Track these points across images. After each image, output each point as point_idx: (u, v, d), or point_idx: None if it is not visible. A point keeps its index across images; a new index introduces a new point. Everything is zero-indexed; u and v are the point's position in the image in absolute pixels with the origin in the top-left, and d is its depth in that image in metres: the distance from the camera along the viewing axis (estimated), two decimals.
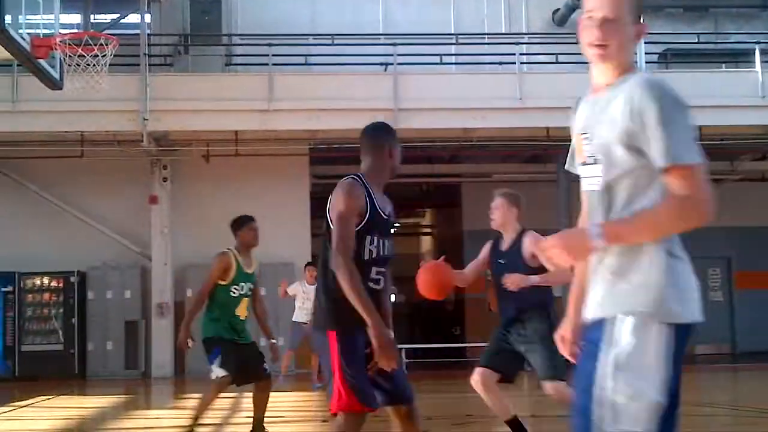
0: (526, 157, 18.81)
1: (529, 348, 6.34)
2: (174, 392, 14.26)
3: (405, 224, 28.54)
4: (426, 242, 28.92)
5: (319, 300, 4.48)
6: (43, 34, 10.08)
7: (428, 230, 28.38)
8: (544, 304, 6.42)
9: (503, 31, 18.60)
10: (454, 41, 18.36)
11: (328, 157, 17.73)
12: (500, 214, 6.66)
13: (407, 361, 16.35)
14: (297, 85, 15.86)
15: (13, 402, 12.44)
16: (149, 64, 15.62)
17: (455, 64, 18.08)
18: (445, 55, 17.74)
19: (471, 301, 21.10)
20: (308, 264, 13.73)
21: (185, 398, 12.56)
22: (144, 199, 16.46)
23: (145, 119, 15.02)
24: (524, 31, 18.55)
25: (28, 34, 9.57)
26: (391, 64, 16.27)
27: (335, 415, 4.34)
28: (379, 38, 17.66)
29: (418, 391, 4.41)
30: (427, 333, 22.95)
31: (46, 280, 16.51)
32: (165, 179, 16.63)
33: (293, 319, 13.09)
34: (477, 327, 20.06)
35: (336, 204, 4.25)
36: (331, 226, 4.25)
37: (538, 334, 6.26)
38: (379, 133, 4.63)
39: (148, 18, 16.68)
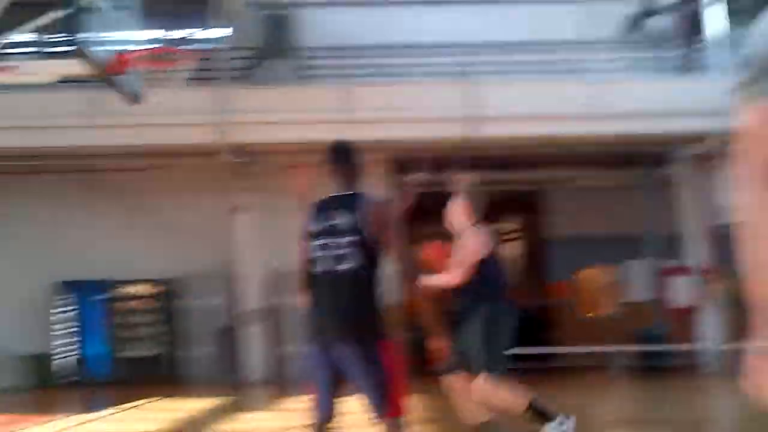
0: (609, 163, 18.49)
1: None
2: (267, 397, 14.43)
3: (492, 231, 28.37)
4: (510, 248, 28.63)
5: (358, 312, 4.67)
6: (123, 50, 10.27)
7: (512, 237, 28.09)
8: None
9: (579, 39, 18.32)
10: (531, 48, 18.10)
11: (409, 166, 17.69)
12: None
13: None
14: (371, 96, 15.89)
15: (118, 404, 12.82)
16: (225, 78, 15.88)
17: (532, 72, 17.83)
18: (521, 63, 17.49)
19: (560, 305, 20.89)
20: None
21: (278, 402, 12.77)
22: (225, 209, 16.68)
23: (222, 131, 15.22)
24: (599, 39, 18.19)
25: (108, 50, 9.75)
26: (467, 72, 16.17)
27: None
28: (455, 47, 17.51)
29: None
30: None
31: (137, 289, 16.99)
32: (247, 189, 16.79)
33: None
34: (566, 332, 19.83)
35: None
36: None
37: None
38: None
39: (223, 32, 16.88)
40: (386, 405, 4.53)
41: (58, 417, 11.80)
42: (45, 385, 16.36)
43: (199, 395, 14.00)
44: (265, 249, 16.66)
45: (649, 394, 13.82)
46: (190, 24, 18.48)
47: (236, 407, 11.20)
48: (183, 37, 18.14)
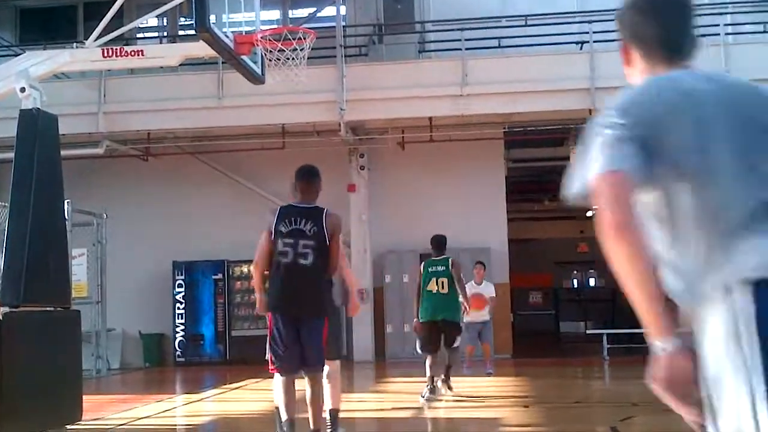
0: None
1: None
2: (375, 376, 14.51)
3: None
4: None
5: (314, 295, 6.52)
6: (245, 31, 10.42)
7: None
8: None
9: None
10: None
11: (523, 140, 17.52)
12: None
13: (609, 346, 16.01)
14: (490, 69, 15.69)
15: (225, 384, 13.07)
16: (345, 55, 15.91)
17: None
18: None
19: None
20: (478, 263, 13.69)
21: (386, 382, 12.77)
22: (343, 187, 16.78)
23: (342, 109, 15.33)
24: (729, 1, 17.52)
25: (231, 32, 9.90)
26: (587, 42, 15.80)
27: None
28: (574, 17, 17.14)
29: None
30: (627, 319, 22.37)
31: (252, 268, 17.18)
32: (362, 167, 16.93)
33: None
34: None
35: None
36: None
37: None
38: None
39: (343, 10, 16.96)
40: (322, 359, 6.46)
41: (169, 396, 12.14)
42: (162, 364, 16.92)
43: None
44: (377, 228, 16.78)
45: None
46: (311, 3, 18.70)
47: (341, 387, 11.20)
48: (304, 17, 18.38)
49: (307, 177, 6.80)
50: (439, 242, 10.43)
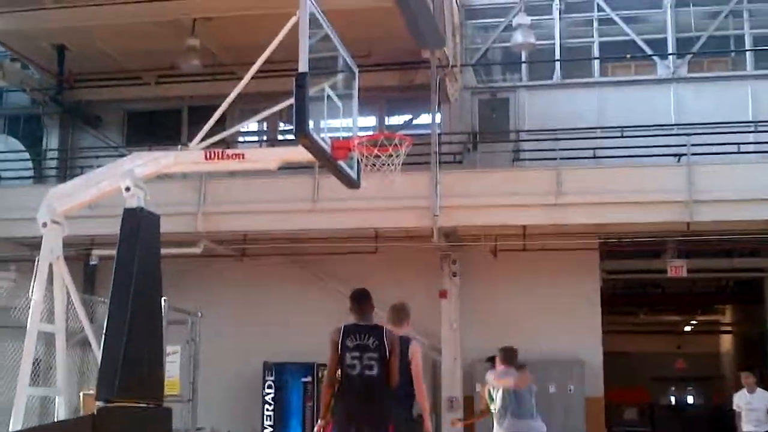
0: None
1: None
2: None
3: (702, 322, 27.15)
4: (725, 341, 27.27)
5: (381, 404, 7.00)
6: (342, 137, 10.64)
7: (728, 328, 26.74)
8: None
9: None
10: (752, 129, 17.34)
11: (618, 251, 17.28)
12: None
13: None
14: (585, 179, 15.65)
15: None
16: (439, 162, 16.03)
17: (754, 153, 17.00)
18: (742, 144, 16.70)
19: None
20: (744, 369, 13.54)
21: None
22: (434, 293, 16.75)
23: (435, 215, 15.42)
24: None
25: (329, 137, 10.12)
26: (684, 155, 15.64)
27: None
28: (672, 128, 17.05)
29: None
30: None
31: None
32: (454, 274, 16.89)
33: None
34: None
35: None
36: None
37: None
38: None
39: (438, 118, 17.21)
40: None
41: None
42: None
43: None
44: (468, 336, 16.61)
45: None
46: (407, 110, 19.07)
47: None
48: (400, 124, 18.73)
49: (358, 298, 7.53)
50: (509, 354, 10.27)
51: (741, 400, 13.03)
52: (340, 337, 7.19)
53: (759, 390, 12.98)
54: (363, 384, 6.99)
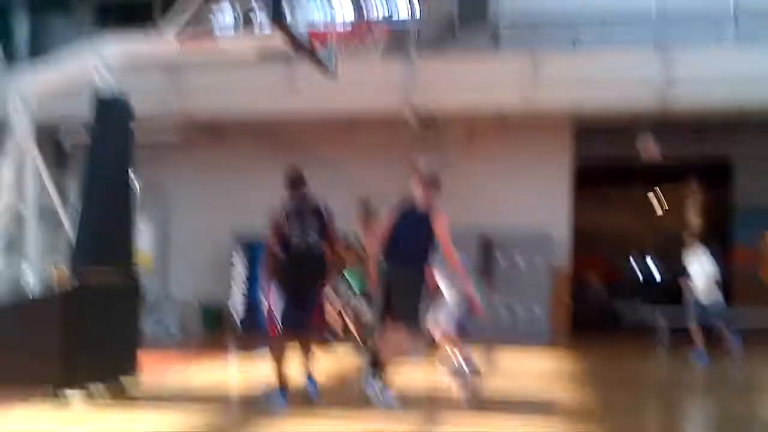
0: None
1: None
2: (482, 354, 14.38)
3: (670, 201, 27.61)
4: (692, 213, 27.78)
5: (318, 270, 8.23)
6: (319, 26, 10.56)
7: (695, 209, 27.19)
8: None
9: None
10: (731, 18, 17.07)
11: (592, 133, 17.40)
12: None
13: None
14: (561, 64, 15.61)
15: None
16: (417, 49, 16.03)
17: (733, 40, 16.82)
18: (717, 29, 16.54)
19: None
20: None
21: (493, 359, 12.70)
22: (409, 175, 16.87)
23: (411, 101, 15.50)
24: None
25: (305, 26, 10.06)
26: (662, 42, 15.60)
27: None
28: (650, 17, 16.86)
29: None
30: None
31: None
32: (431, 156, 16.93)
33: None
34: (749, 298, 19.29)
35: None
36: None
37: None
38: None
39: (417, 5, 16.91)
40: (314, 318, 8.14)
41: (225, 359, 12.94)
42: (218, 332, 17.19)
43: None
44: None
45: None
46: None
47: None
48: (376, 10, 18.35)
49: (295, 179, 8.55)
50: None
51: (689, 260, 13.41)
52: (283, 210, 8.23)
53: (701, 249, 13.23)
54: (303, 251, 7.96)
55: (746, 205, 20.00)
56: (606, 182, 23.46)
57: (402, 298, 7.82)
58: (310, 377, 8.14)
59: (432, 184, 8.42)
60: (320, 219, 8.14)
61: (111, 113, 8.92)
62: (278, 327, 7.93)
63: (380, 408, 7.66)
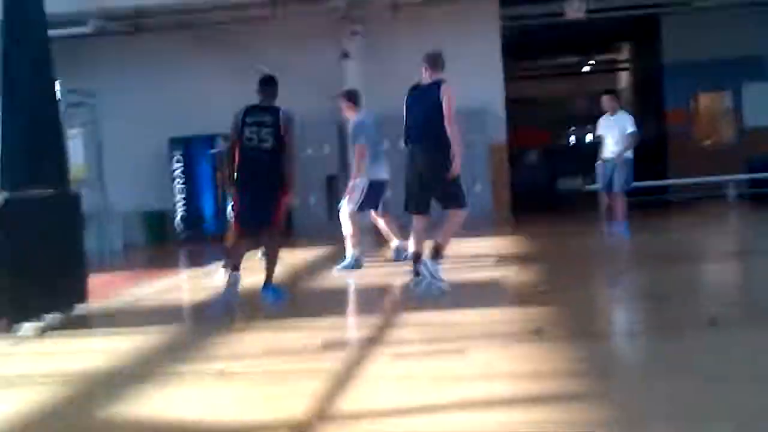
0: None
1: None
2: (375, 243, 14.35)
3: (601, 62, 27.62)
4: (624, 78, 27.89)
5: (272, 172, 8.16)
6: None
7: (626, 66, 27.28)
8: None
9: None
10: None
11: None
12: None
13: None
14: None
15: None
16: None
17: None
18: None
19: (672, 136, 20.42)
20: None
21: (382, 251, 12.78)
22: (336, 55, 16.54)
23: None
24: None
25: None
26: None
27: None
28: None
29: None
30: None
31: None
32: (356, 33, 16.60)
33: None
34: (681, 161, 19.47)
35: None
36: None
37: None
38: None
39: None
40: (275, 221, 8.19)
41: (173, 272, 12.35)
42: (162, 242, 16.87)
43: (309, 244, 13.91)
44: (373, 95, 16.53)
45: (764, 223, 13.56)
46: None
47: (341, 255, 11.21)
48: None
49: (265, 84, 8.60)
50: None
51: (603, 123, 12.43)
52: (241, 115, 8.26)
53: (621, 112, 12.60)
54: (258, 155, 8.08)
55: (676, 63, 20.05)
56: (537, 51, 23.34)
57: (427, 182, 8.03)
58: (268, 285, 8.11)
59: (434, 60, 8.54)
60: (276, 122, 8.18)
61: (24, 9, 8.36)
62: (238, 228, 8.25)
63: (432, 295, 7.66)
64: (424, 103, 8.12)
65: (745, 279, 8.60)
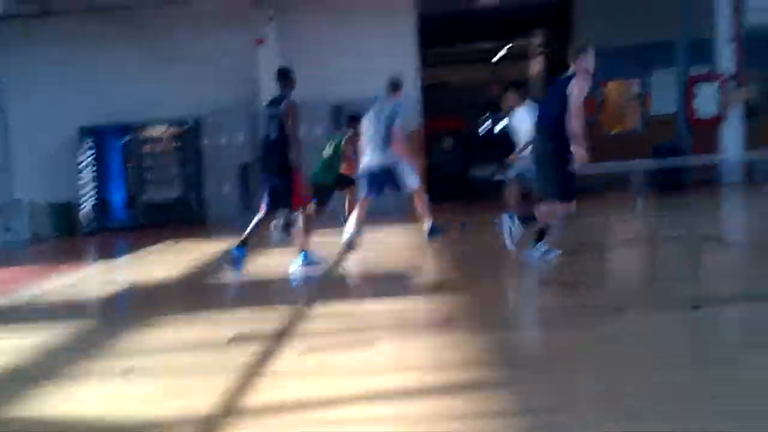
0: None
1: None
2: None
3: (515, 47, 27.87)
4: (538, 64, 28.14)
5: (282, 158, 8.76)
6: None
7: (541, 51, 27.51)
8: None
9: None
10: None
11: None
12: None
13: None
14: None
15: (138, 250, 12.88)
16: None
17: None
18: None
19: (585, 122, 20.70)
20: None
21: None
22: (252, 40, 16.37)
23: None
24: None
25: None
26: None
27: None
28: None
29: None
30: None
31: (161, 130, 16.82)
32: (271, 18, 16.42)
33: None
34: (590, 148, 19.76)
35: None
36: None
37: None
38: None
39: None
40: (293, 203, 8.88)
41: (81, 265, 12.05)
42: (71, 233, 16.56)
43: (221, 235, 13.66)
44: None
45: (669, 210, 13.84)
46: None
47: (255, 246, 11.06)
48: None
49: (281, 76, 9.07)
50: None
51: (512, 118, 11.80)
52: (265, 110, 9.05)
53: (525, 105, 12.20)
54: (268, 144, 8.84)
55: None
56: (451, 37, 23.42)
57: (540, 171, 8.46)
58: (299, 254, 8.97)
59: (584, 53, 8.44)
60: (279, 113, 8.73)
61: None
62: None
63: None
64: (552, 98, 8.38)
65: (647, 266, 8.77)
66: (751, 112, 17.09)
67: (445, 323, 5.93)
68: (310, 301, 7.57)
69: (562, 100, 8.05)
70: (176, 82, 16.71)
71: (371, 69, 15.71)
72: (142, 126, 16.72)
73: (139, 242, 13.82)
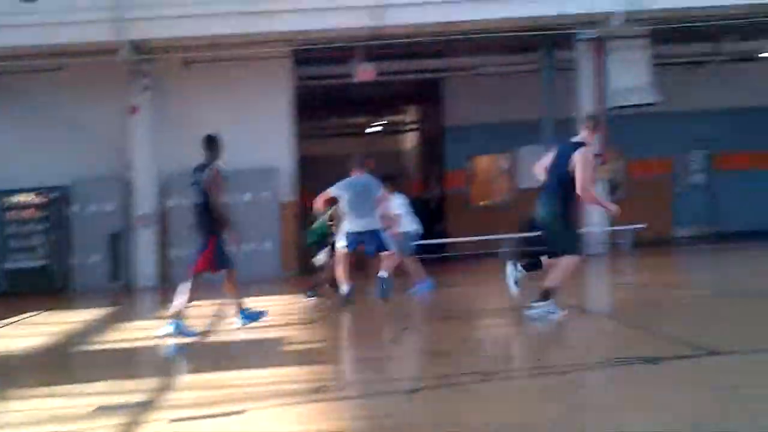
0: (509, 48, 18.55)
1: None
2: (159, 302, 14.03)
3: (389, 123, 28.47)
4: (410, 139, 28.80)
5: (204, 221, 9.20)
6: None
7: (412, 127, 28.20)
8: None
9: None
10: None
11: (310, 58, 17.44)
12: None
13: None
14: None
15: (2, 319, 12.33)
16: None
17: None
18: None
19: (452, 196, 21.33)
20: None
21: (166, 308, 12.53)
22: (124, 110, 16.27)
23: (124, 27, 14.84)
24: None
25: None
26: None
27: None
28: None
29: None
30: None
31: (28, 197, 16.39)
32: (146, 88, 16.35)
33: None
34: (460, 220, 20.34)
35: None
36: None
37: None
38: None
39: None
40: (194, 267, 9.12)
41: None
42: None
43: (87, 306, 13.54)
44: (162, 151, 16.28)
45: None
46: None
47: (123, 316, 10.91)
48: None
49: (208, 143, 9.32)
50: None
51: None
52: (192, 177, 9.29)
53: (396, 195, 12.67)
54: (194, 210, 9.19)
55: (454, 126, 21.04)
56: (327, 111, 23.78)
57: (550, 231, 8.92)
58: (174, 321, 9.01)
59: (595, 122, 9.28)
60: (202, 180, 9.07)
61: None
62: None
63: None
64: (556, 164, 8.84)
65: (509, 334, 8.98)
66: (613, 187, 17.99)
67: (318, 391, 5.98)
68: (179, 371, 7.50)
69: (569, 164, 8.53)
70: (48, 151, 16.36)
71: (247, 140, 15.82)
72: (8, 193, 16.25)
73: (1, 311, 13.28)
